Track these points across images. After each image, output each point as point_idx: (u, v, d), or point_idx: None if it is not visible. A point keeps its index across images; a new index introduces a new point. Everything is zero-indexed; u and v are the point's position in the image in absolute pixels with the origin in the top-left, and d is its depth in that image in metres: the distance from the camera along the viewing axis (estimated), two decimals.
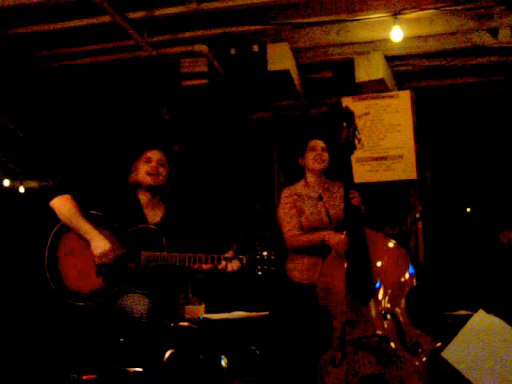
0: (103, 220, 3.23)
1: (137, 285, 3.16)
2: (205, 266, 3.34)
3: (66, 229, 3.21)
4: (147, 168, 3.31)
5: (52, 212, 3.24)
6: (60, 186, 3.31)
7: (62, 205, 3.21)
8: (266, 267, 3.06)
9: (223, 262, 3.10)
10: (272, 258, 3.06)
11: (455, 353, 2.60)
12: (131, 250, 3.17)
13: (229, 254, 3.11)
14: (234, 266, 3.10)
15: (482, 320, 2.67)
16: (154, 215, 3.35)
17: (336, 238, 3.31)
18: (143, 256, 3.14)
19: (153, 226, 3.27)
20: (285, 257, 3.72)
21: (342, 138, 3.37)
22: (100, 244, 3.12)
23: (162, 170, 3.34)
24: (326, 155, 3.68)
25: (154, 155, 3.35)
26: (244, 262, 3.10)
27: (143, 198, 3.35)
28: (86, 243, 3.17)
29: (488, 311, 2.74)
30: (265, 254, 3.06)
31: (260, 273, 3.07)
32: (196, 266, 3.38)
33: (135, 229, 3.22)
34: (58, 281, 3.14)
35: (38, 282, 3.18)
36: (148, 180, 3.31)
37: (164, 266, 3.15)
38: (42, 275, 3.15)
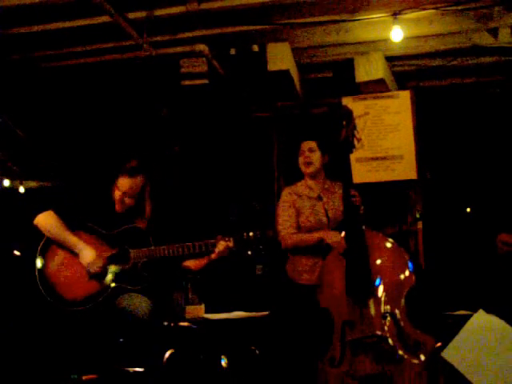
0: (88, 226, 3.26)
1: (130, 283, 3.19)
2: (194, 266, 3.35)
3: (52, 242, 3.26)
4: (116, 195, 3.32)
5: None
6: (42, 202, 3.34)
7: (46, 222, 3.26)
8: (254, 246, 3.08)
9: (215, 251, 3.13)
10: (259, 236, 3.08)
11: (455, 353, 2.60)
12: (120, 250, 3.20)
13: (214, 240, 3.14)
14: (220, 247, 3.12)
15: (482, 320, 2.67)
16: (140, 222, 3.38)
17: (336, 237, 3.31)
18: (132, 254, 3.18)
19: (137, 226, 3.30)
20: (285, 257, 3.72)
21: (341, 137, 3.36)
22: (87, 254, 3.16)
23: (127, 200, 3.31)
24: (314, 156, 3.64)
25: (123, 186, 3.29)
26: (231, 243, 3.12)
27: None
28: (74, 252, 3.20)
29: (488, 311, 2.73)
30: (251, 234, 3.09)
31: (250, 252, 3.10)
32: (185, 267, 3.39)
33: (121, 230, 3.27)
34: (51, 293, 3.18)
35: (32, 292, 3.21)
36: (117, 207, 3.34)
37: (153, 260, 3.17)
38: (35, 288, 3.18)
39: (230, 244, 3.14)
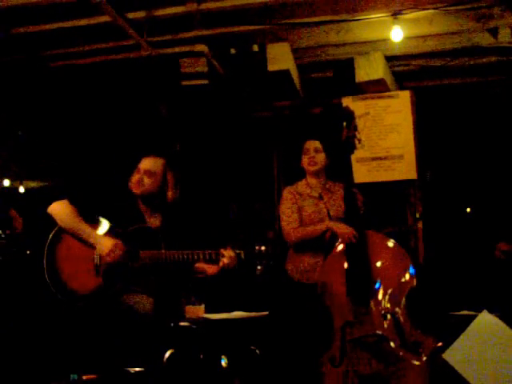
0: (101, 221, 3.24)
1: (136, 284, 3.17)
2: (209, 271, 3.34)
3: (62, 232, 3.22)
4: (134, 178, 3.32)
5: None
6: (57, 191, 3.33)
7: (61, 211, 3.21)
8: (264, 261, 3.07)
9: (223, 259, 3.11)
10: (270, 251, 3.06)
11: (457, 355, 2.59)
12: (130, 248, 3.18)
13: (225, 250, 3.11)
14: (230, 260, 3.10)
15: (484, 323, 2.66)
16: (154, 220, 3.36)
17: (344, 227, 3.29)
18: (141, 255, 3.16)
19: (150, 226, 3.29)
20: (285, 257, 3.72)
21: (342, 138, 3.37)
22: (105, 244, 3.12)
23: (146, 180, 3.29)
24: (319, 156, 3.66)
25: (144, 164, 3.32)
26: (242, 256, 3.11)
27: (141, 204, 3.37)
28: (84, 244, 3.18)
29: (489, 311, 2.73)
30: (263, 248, 3.07)
31: (259, 267, 3.09)
32: (199, 269, 3.39)
33: (133, 229, 3.24)
34: (57, 282, 3.15)
35: (37, 283, 3.19)
36: (134, 190, 3.32)
37: (162, 264, 3.16)
38: (41, 278, 3.16)
39: (241, 257, 3.13)
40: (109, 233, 3.21)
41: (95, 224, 3.23)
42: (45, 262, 3.17)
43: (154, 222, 3.35)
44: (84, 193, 3.38)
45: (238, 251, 3.13)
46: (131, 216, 3.30)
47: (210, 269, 3.34)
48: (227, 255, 3.10)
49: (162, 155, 3.38)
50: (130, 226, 3.25)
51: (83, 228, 3.17)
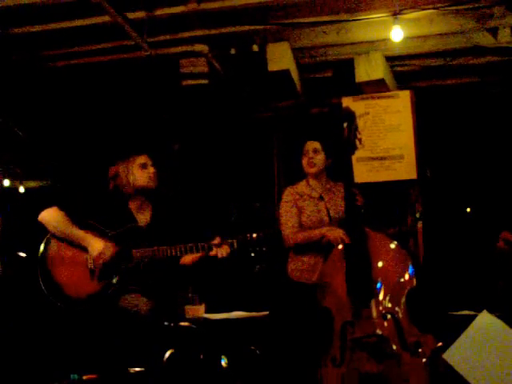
0: (91, 225, 3.25)
1: (133, 283, 3.18)
2: (190, 259, 3.33)
3: (54, 239, 3.24)
4: (147, 173, 3.33)
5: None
6: (45, 200, 3.35)
7: (51, 217, 3.25)
8: (257, 248, 3.09)
9: (214, 249, 3.11)
10: (261, 238, 3.08)
11: (457, 355, 2.59)
12: (122, 249, 3.19)
13: (216, 241, 3.12)
14: (223, 251, 3.11)
15: (485, 323, 2.66)
16: (144, 216, 3.37)
17: (336, 233, 3.32)
18: (134, 254, 3.17)
19: (139, 225, 3.30)
20: (285, 257, 3.72)
21: (343, 139, 3.36)
22: (97, 245, 3.15)
23: (155, 173, 3.36)
24: (318, 157, 3.66)
25: (148, 160, 3.36)
26: (235, 245, 3.12)
27: (134, 202, 3.36)
28: (76, 249, 3.20)
29: (489, 311, 2.73)
30: (254, 235, 3.09)
31: (253, 254, 3.10)
32: (186, 261, 3.38)
33: (123, 230, 3.25)
34: (54, 291, 3.17)
35: (35, 291, 3.20)
36: (150, 185, 3.33)
37: (156, 260, 3.17)
38: (37, 287, 3.17)
39: (234, 246, 3.14)
40: (100, 235, 3.23)
41: (86, 227, 3.25)
42: (39, 271, 3.19)
43: (143, 219, 3.37)
44: (73, 198, 3.38)
45: (229, 240, 3.14)
46: (121, 216, 3.31)
47: (190, 259, 3.33)
48: (224, 248, 3.11)
49: (149, 154, 3.41)
50: (121, 227, 3.26)
51: (75, 232, 3.20)
